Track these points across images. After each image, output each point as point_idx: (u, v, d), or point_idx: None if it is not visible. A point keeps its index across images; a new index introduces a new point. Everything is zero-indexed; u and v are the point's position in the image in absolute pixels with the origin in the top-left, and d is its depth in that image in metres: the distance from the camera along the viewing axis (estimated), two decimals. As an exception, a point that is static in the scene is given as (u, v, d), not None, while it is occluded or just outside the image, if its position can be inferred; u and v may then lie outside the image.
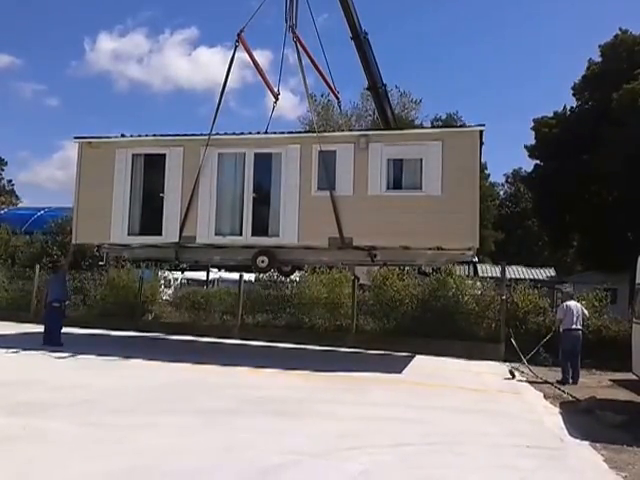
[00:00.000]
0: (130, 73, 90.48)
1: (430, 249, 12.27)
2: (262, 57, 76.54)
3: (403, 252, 12.66)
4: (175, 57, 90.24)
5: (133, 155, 13.57)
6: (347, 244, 12.20)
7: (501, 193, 52.35)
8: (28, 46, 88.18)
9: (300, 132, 15.37)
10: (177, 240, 13.07)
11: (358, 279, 16.28)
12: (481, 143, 12.20)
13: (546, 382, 11.11)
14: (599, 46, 30.79)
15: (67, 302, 14.66)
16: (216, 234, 12.96)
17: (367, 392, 9.28)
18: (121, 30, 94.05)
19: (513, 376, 11.36)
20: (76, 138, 14.32)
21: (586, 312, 12.02)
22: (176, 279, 23.17)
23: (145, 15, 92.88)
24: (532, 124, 33.23)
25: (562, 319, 11.50)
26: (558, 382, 11.04)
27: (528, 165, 39.56)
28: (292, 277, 17.51)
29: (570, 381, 11.12)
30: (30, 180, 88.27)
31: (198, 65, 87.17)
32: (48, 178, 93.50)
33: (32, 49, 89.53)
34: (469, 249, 12.13)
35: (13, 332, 15.09)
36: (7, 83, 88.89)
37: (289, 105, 74.71)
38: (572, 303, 11.70)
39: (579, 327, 11.44)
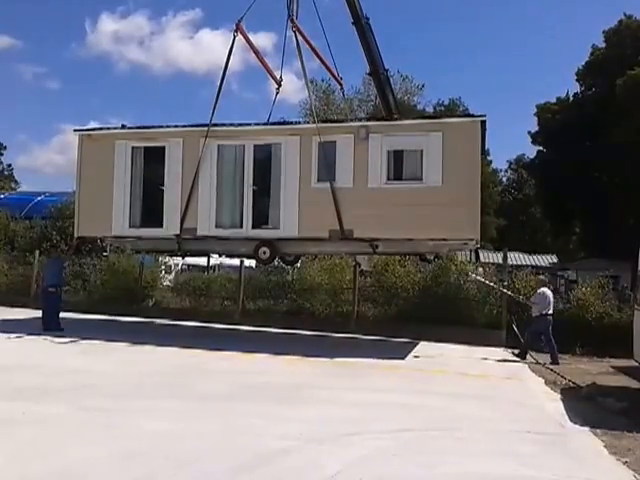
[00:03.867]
0: (131, 55, 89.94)
1: (432, 240, 12.18)
2: (266, 39, 75.87)
3: (405, 243, 12.59)
4: (177, 39, 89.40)
5: (133, 147, 13.49)
6: (347, 236, 12.11)
7: (504, 179, 52.12)
8: (28, 28, 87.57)
9: (300, 122, 15.24)
10: (178, 232, 13.02)
11: (359, 265, 16.22)
12: (483, 132, 12.07)
13: (538, 363, 11.49)
14: (603, 32, 30.45)
15: (64, 288, 14.65)
16: (217, 226, 12.90)
17: (368, 378, 9.27)
18: (123, 11, 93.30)
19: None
20: (76, 130, 14.27)
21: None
22: (177, 265, 23.11)
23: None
24: (535, 110, 32.99)
25: (542, 304, 11.84)
26: (552, 364, 11.50)
27: (531, 151, 39.33)
28: (292, 263, 17.45)
29: (534, 361, 11.68)
30: (29, 164, 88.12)
31: (200, 48, 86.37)
32: (47, 162, 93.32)
33: (32, 31, 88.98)
34: (471, 239, 12.04)
35: (13, 317, 15.09)
36: (7, 65, 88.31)
37: (292, 89, 74.16)
38: (547, 290, 12.15)
39: (552, 312, 11.93)
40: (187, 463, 4.77)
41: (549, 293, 12.09)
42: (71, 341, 11.55)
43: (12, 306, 17.43)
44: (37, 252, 19.27)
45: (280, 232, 12.57)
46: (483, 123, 11.95)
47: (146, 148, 13.52)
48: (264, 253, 12.85)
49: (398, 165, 12.09)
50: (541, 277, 13.27)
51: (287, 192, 12.47)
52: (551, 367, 11.13)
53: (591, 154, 27.38)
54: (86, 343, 11.50)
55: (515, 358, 12.07)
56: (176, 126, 13.55)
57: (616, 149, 25.28)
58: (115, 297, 18.01)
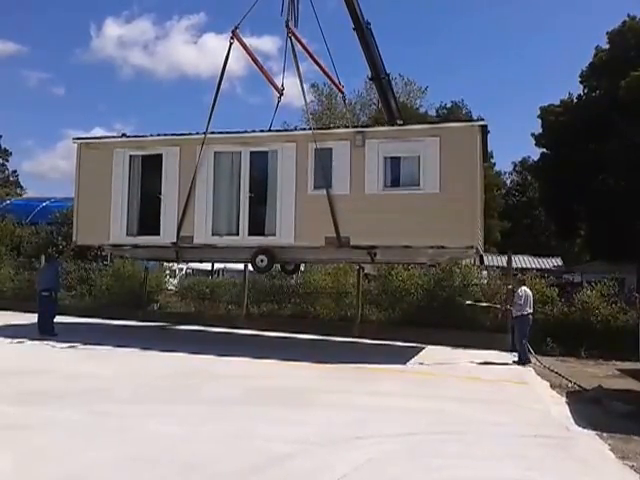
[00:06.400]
0: (136, 60, 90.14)
1: (431, 247, 12.06)
2: (270, 43, 76.22)
3: (403, 251, 12.49)
4: (181, 44, 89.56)
5: (130, 155, 13.54)
6: (344, 244, 12.02)
7: (508, 182, 51.98)
8: (33, 34, 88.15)
9: (298, 128, 15.21)
10: (175, 240, 13.03)
11: (363, 269, 16.20)
12: (484, 137, 12.02)
13: (506, 364, 11.70)
14: (607, 33, 30.38)
15: (59, 291, 14.65)
16: (213, 234, 12.86)
17: (373, 382, 9.27)
18: (127, 16, 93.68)
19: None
20: (74, 139, 14.35)
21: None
22: (181, 269, 23.20)
23: (153, 0, 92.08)
24: (539, 112, 32.95)
25: (522, 304, 11.75)
26: (515, 362, 11.77)
27: (535, 153, 39.25)
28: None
29: (529, 362, 11.69)
30: (34, 170, 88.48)
31: (205, 52, 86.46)
32: (52, 168, 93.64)
33: (37, 37, 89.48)
34: (471, 247, 11.94)
35: (19, 322, 15.15)
36: (12, 71, 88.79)
37: (296, 93, 73.84)
38: (527, 289, 12.06)
39: (532, 311, 11.94)
40: (195, 466, 4.79)
41: (529, 293, 11.98)
42: (77, 346, 11.59)
43: (18, 311, 17.54)
44: (43, 257, 19.37)
45: (276, 239, 12.48)
46: (483, 128, 11.87)
47: (144, 156, 13.56)
48: (261, 261, 12.81)
49: (395, 171, 11.96)
50: (519, 276, 13.19)
51: (283, 199, 12.41)
52: (519, 363, 11.49)
53: (595, 156, 27.32)
54: (92, 348, 11.53)
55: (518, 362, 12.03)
56: (173, 134, 13.58)
57: (621, 150, 25.22)
58: (120, 302, 18.11)
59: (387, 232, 11.61)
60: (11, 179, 57.05)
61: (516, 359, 11.91)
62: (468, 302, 12.97)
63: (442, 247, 11.86)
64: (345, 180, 12.08)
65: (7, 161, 57.72)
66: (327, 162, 12.14)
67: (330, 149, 12.22)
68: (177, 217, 12.96)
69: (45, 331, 12.89)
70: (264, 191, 12.70)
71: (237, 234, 12.73)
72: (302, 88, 13.74)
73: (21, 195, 48.16)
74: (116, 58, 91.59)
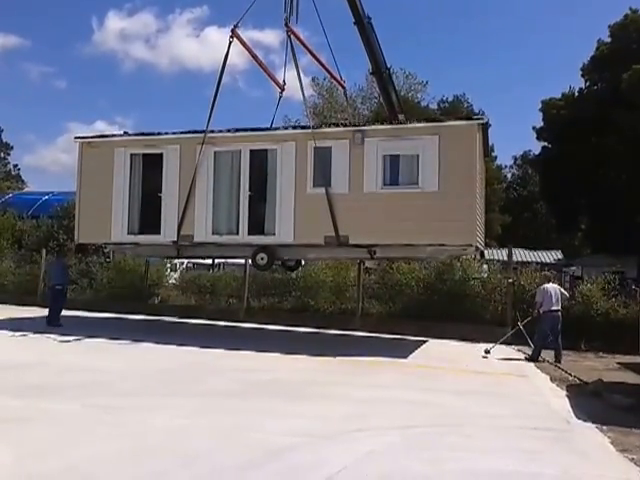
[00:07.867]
0: (138, 54, 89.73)
1: (431, 245, 12.07)
2: (272, 37, 75.88)
3: (403, 248, 12.49)
4: (183, 37, 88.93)
5: (131, 154, 13.54)
6: (343, 242, 12.03)
7: (509, 176, 51.90)
8: (36, 27, 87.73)
9: (296, 126, 15.12)
10: (175, 239, 13.05)
11: (364, 262, 16.22)
12: (484, 134, 11.95)
13: (543, 360, 11.43)
14: (608, 26, 30.26)
15: (69, 286, 15.26)
16: (213, 233, 12.88)
17: (373, 375, 9.29)
18: (130, 9, 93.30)
19: (487, 352, 11.90)
20: (76, 138, 14.38)
21: (565, 293, 12.27)
22: (182, 263, 23.17)
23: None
24: (540, 105, 32.88)
25: (541, 302, 11.65)
26: (527, 359, 11.65)
27: (536, 147, 39.24)
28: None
29: (541, 359, 11.52)
30: (35, 163, 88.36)
31: (207, 46, 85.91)
32: (53, 161, 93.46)
33: (40, 30, 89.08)
34: (469, 245, 11.94)
35: (20, 315, 15.19)
36: (14, 65, 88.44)
37: (298, 86, 73.67)
38: (549, 285, 11.93)
39: (558, 308, 11.67)
40: (196, 459, 4.80)
41: (551, 289, 11.73)
42: (78, 339, 11.63)
43: (19, 305, 17.57)
44: (44, 251, 19.39)
45: (276, 238, 12.50)
46: (484, 126, 11.82)
47: (144, 155, 13.56)
48: (262, 259, 12.83)
49: (394, 170, 11.94)
50: (545, 273, 13.12)
51: (283, 198, 12.40)
52: (557, 364, 11.11)
53: (596, 150, 27.27)
54: (93, 341, 11.57)
55: (521, 356, 12.02)
56: (173, 133, 13.56)
57: (622, 144, 25.17)
58: (121, 295, 18.16)
59: (386, 230, 11.61)
60: (12, 173, 57.08)
61: (528, 356, 11.83)
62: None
63: (441, 245, 11.88)
64: (344, 179, 12.07)
65: (9, 155, 57.86)
66: (326, 160, 12.12)
67: (329, 148, 12.20)
68: (177, 216, 12.98)
69: (51, 322, 13.31)
70: (264, 190, 12.69)
71: (237, 233, 12.74)
72: (302, 89, 13.76)
73: (22, 189, 48.15)
74: (118, 51, 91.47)
